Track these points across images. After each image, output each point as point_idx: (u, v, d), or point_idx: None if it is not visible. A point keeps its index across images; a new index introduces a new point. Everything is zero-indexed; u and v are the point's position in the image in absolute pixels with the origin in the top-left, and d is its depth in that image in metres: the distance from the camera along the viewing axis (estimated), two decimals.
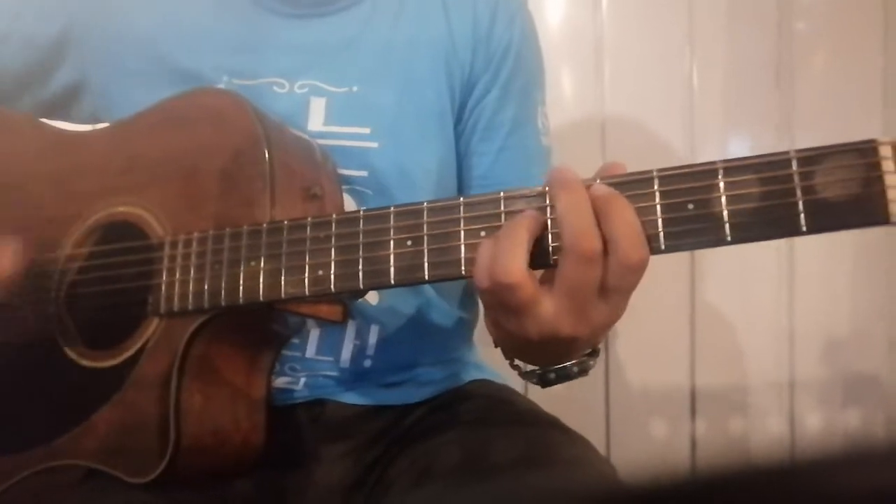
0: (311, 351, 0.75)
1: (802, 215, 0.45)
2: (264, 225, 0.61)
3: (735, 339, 1.41)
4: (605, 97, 1.38)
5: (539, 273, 0.52)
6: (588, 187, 0.49)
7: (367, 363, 0.78)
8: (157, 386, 0.63)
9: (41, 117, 0.81)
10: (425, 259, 0.54)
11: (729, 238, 0.47)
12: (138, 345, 0.65)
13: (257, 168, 0.63)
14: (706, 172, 0.48)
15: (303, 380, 0.76)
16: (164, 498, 0.65)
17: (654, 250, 0.49)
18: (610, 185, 0.50)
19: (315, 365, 0.76)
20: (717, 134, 1.39)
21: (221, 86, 0.75)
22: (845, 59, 1.39)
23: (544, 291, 0.50)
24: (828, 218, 0.45)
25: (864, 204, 0.44)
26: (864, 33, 1.39)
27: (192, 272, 0.63)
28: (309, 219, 0.59)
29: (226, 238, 0.62)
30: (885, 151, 0.44)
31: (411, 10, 0.80)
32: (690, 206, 0.48)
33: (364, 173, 0.75)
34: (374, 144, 0.76)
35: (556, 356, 0.57)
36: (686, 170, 0.49)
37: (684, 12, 1.38)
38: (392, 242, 0.55)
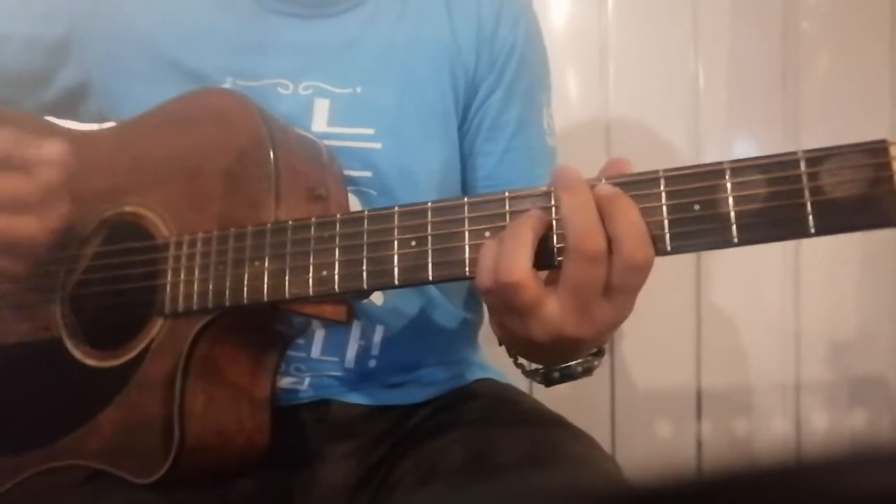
0: (315, 351, 0.75)
1: (811, 216, 0.45)
2: (268, 225, 0.61)
3: (741, 339, 1.40)
4: (610, 98, 1.37)
5: (544, 275, 0.52)
6: (592, 187, 0.49)
7: (372, 363, 0.78)
8: (162, 386, 0.63)
9: (47, 117, 0.81)
10: (429, 259, 0.54)
11: (736, 239, 0.47)
12: (143, 345, 0.65)
13: (262, 169, 0.63)
14: (713, 173, 0.47)
15: (308, 380, 0.76)
16: (167, 498, 0.65)
17: (660, 251, 0.48)
18: (615, 184, 0.49)
19: (320, 365, 0.76)
20: (722, 135, 1.39)
21: (226, 86, 0.75)
22: (851, 59, 1.39)
23: (549, 292, 0.49)
24: (836, 219, 0.44)
25: (874, 205, 0.44)
26: (871, 33, 1.39)
27: (196, 272, 0.63)
28: (313, 219, 0.59)
29: (230, 238, 0.62)
30: (895, 151, 0.43)
31: (414, 11, 0.80)
32: (697, 207, 0.47)
33: (368, 174, 0.75)
34: (378, 145, 0.76)
35: (561, 356, 0.57)
36: (692, 170, 0.48)
37: (689, 13, 1.37)
38: (396, 243, 0.55)
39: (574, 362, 0.58)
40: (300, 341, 0.74)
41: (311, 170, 0.68)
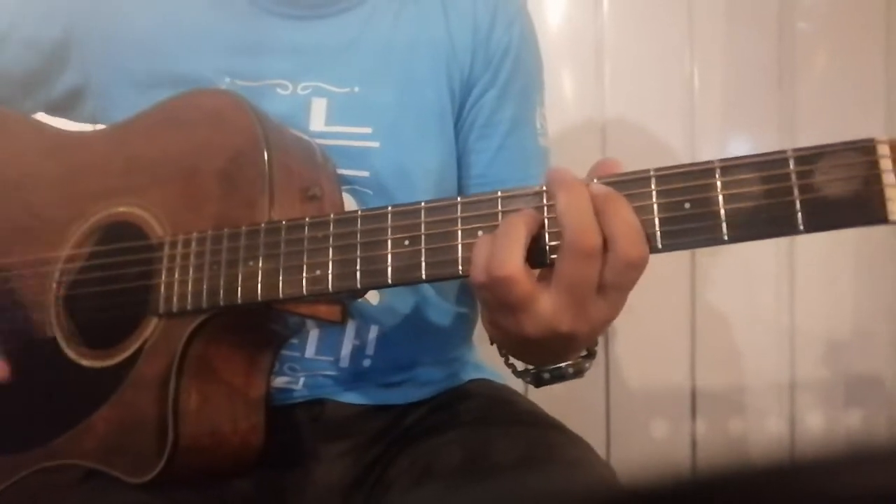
0: (310, 351, 0.75)
1: (800, 214, 0.45)
2: (262, 225, 0.61)
3: (736, 339, 1.41)
4: (606, 98, 1.37)
5: (536, 273, 0.52)
6: (587, 186, 0.49)
7: (367, 363, 0.78)
8: (156, 386, 0.63)
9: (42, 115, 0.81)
10: (422, 259, 0.54)
11: (726, 237, 0.47)
12: (137, 345, 0.65)
13: (256, 169, 0.63)
14: (703, 171, 0.48)
15: (302, 380, 0.76)
16: (162, 498, 0.65)
17: (652, 249, 0.49)
18: (607, 184, 0.50)
19: (314, 365, 0.76)
20: (717, 135, 1.39)
21: (223, 87, 0.75)
22: (847, 59, 1.39)
23: (542, 288, 0.50)
24: (825, 217, 0.45)
25: (862, 203, 0.44)
26: (866, 33, 1.39)
27: (190, 272, 0.63)
28: (307, 219, 0.59)
29: (224, 238, 0.62)
30: (883, 150, 0.44)
31: (411, 11, 0.80)
32: (687, 206, 0.48)
33: (365, 173, 0.75)
34: (375, 144, 0.76)
35: (553, 354, 0.57)
36: (683, 169, 0.48)
37: (684, 13, 1.37)
38: (389, 242, 0.55)
39: (564, 364, 0.58)
40: (294, 341, 0.74)
41: (306, 170, 0.68)
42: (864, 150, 0.44)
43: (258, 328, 0.69)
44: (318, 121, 0.75)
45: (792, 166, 0.46)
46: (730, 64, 1.38)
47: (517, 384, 0.80)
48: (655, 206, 0.49)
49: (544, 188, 0.52)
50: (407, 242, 0.55)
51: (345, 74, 0.76)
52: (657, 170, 0.49)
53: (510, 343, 0.58)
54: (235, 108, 0.66)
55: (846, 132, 0.46)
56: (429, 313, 0.81)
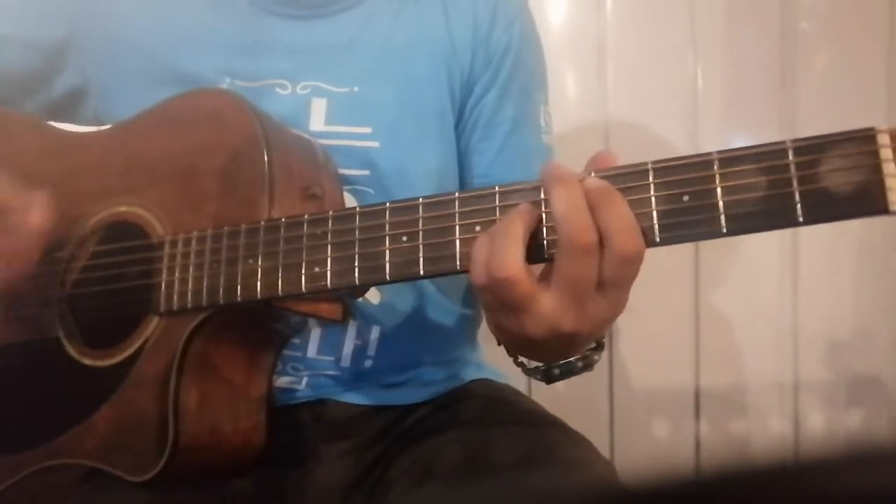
0: (312, 351, 0.75)
1: (799, 206, 0.45)
2: (262, 223, 0.61)
3: (739, 339, 1.40)
4: (608, 98, 1.37)
5: (537, 271, 0.52)
6: (581, 181, 0.49)
7: (368, 363, 0.77)
8: (156, 384, 0.63)
9: (46, 119, 0.81)
10: (421, 254, 0.54)
11: (725, 230, 0.47)
12: (138, 343, 0.65)
13: (256, 168, 0.63)
14: (701, 164, 0.48)
15: (305, 379, 0.76)
16: (164, 497, 0.65)
17: (650, 243, 0.48)
18: (604, 177, 0.49)
19: (316, 364, 0.76)
20: (720, 134, 1.39)
21: (223, 86, 0.75)
22: (849, 59, 1.39)
23: (542, 287, 0.50)
24: (825, 208, 0.45)
25: (863, 193, 0.43)
26: (869, 33, 1.39)
27: (191, 271, 0.63)
28: (306, 216, 0.59)
29: (224, 237, 0.62)
30: (883, 139, 0.43)
31: (410, 10, 0.80)
32: (686, 198, 0.48)
33: (365, 172, 0.75)
34: (375, 144, 0.76)
35: (558, 352, 0.57)
36: (681, 161, 0.48)
37: (687, 13, 1.37)
38: (387, 238, 0.55)
39: (573, 358, 0.58)
40: (296, 340, 0.74)
41: (306, 169, 0.68)
42: (865, 139, 0.44)
43: (259, 327, 0.69)
44: (317, 120, 0.75)
45: (791, 157, 0.45)
46: (731, 64, 1.38)
47: (520, 383, 0.80)
48: (653, 199, 0.48)
49: (541, 183, 0.51)
50: (405, 238, 0.55)
51: (344, 74, 0.76)
52: (655, 162, 0.49)
53: (515, 343, 0.58)
54: (235, 107, 0.66)
55: None
56: (431, 313, 0.81)
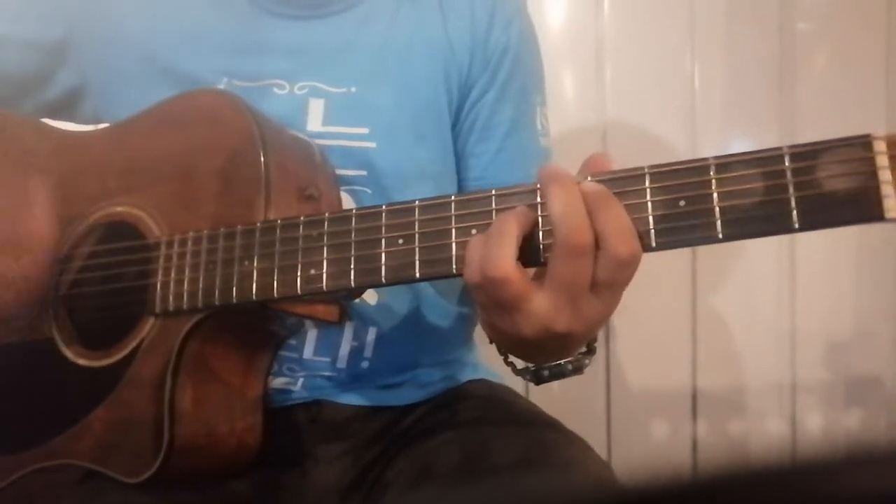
0: (308, 352, 0.75)
1: (795, 212, 0.45)
2: (258, 225, 0.61)
3: (736, 340, 1.40)
4: (607, 99, 1.37)
5: (532, 272, 0.52)
6: (577, 184, 0.49)
7: (365, 364, 0.77)
8: (152, 385, 0.63)
9: (44, 118, 0.81)
10: (416, 257, 0.54)
11: (721, 235, 0.47)
12: (133, 344, 0.65)
13: (252, 169, 0.63)
14: (698, 168, 0.48)
15: (301, 381, 0.76)
16: (160, 498, 0.65)
17: (646, 248, 0.48)
18: (601, 181, 0.49)
19: (312, 365, 0.76)
20: (718, 135, 1.39)
21: (221, 87, 0.75)
22: (847, 59, 1.39)
23: (536, 287, 0.50)
24: (821, 214, 0.45)
25: (858, 200, 0.44)
26: (867, 34, 1.39)
27: (186, 272, 0.63)
28: (302, 218, 0.59)
29: (220, 238, 0.62)
30: (879, 146, 0.43)
31: (408, 11, 0.80)
32: (682, 203, 0.48)
33: (363, 173, 0.75)
34: (373, 144, 0.75)
35: (550, 353, 0.57)
36: (678, 166, 0.48)
37: (685, 14, 1.37)
38: (384, 241, 0.55)
39: (564, 360, 0.58)
40: (292, 342, 0.74)
41: (303, 170, 0.68)
42: (861, 146, 0.44)
43: (255, 328, 0.69)
44: (315, 121, 0.75)
45: (787, 163, 0.45)
46: (730, 64, 1.38)
47: (517, 384, 0.80)
48: (650, 204, 0.48)
49: (538, 186, 0.51)
50: (401, 241, 0.55)
51: (342, 75, 0.76)
52: (651, 167, 0.49)
53: (508, 343, 0.58)
54: (232, 108, 0.66)
55: (846, 132, 0.46)
56: (428, 314, 0.81)
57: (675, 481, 0.26)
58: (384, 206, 0.56)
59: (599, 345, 0.60)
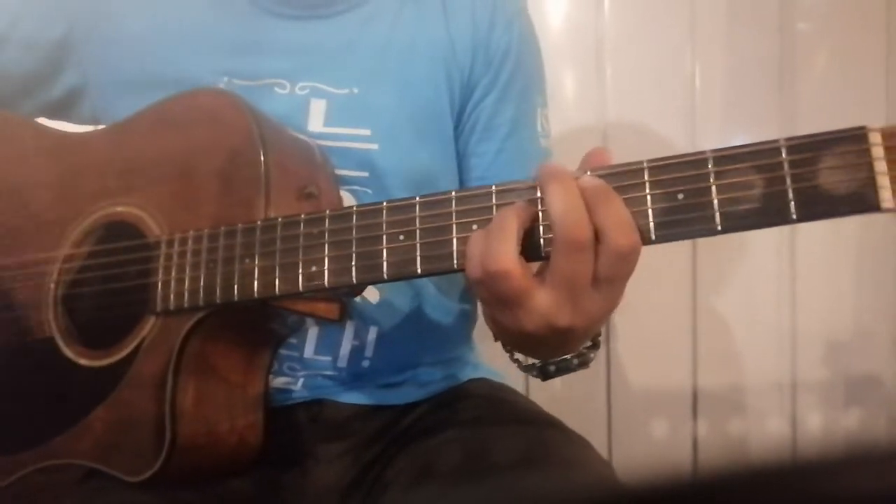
0: (309, 351, 0.75)
1: (793, 203, 0.46)
2: (258, 223, 0.61)
3: (737, 339, 1.40)
4: (607, 99, 1.37)
5: (534, 268, 0.52)
6: (576, 179, 0.50)
7: (366, 363, 0.77)
8: (153, 384, 0.63)
9: (42, 119, 0.81)
10: (418, 253, 0.54)
11: (720, 227, 0.47)
12: (134, 343, 0.65)
13: (252, 168, 0.63)
14: (696, 162, 0.48)
15: (301, 380, 0.76)
16: (161, 497, 0.65)
17: (645, 241, 0.49)
18: (600, 176, 0.50)
19: (313, 365, 0.76)
20: (719, 135, 1.39)
21: (221, 86, 0.75)
22: (847, 59, 1.39)
23: (538, 283, 0.50)
24: (818, 205, 0.45)
25: (854, 191, 0.44)
26: (867, 34, 1.39)
27: (187, 270, 0.63)
28: (302, 215, 0.59)
29: (220, 236, 0.62)
30: (874, 138, 0.44)
31: (410, 12, 0.80)
32: (681, 196, 0.48)
33: (364, 174, 0.75)
34: (375, 146, 0.75)
35: (554, 348, 0.57)
36: (676, 160, 0.49)
37: (686, 14, 1.37)
38: (385, 237, 0.56)
39: (570, 355, 0.58)
40: (293, 340, 0.74)
41: (303, 169, 0.68)
42: (856, 138, 0.45)
43: (256, 326, 0.69)
44: (316, 121, 0.75)
45: (784, 156, 0.46)
46: (730, 64, 1.38)
47: (517, 383, 0.80)
48: (649, 198, 0.49)
49: (537, 182, 0.52)
50: (402, 237, 0.55)
51: (343, 75, 0.76)
52: (650, 161, 0.49)
53: (511, 338, 0.58)
54: (232, 107, 0.66)
55: None
56: (429, 313, 0.81)
57: (675, 480, 0.26)
58: (385, 203, 0.56)
59: (600, 343, 0.60)
